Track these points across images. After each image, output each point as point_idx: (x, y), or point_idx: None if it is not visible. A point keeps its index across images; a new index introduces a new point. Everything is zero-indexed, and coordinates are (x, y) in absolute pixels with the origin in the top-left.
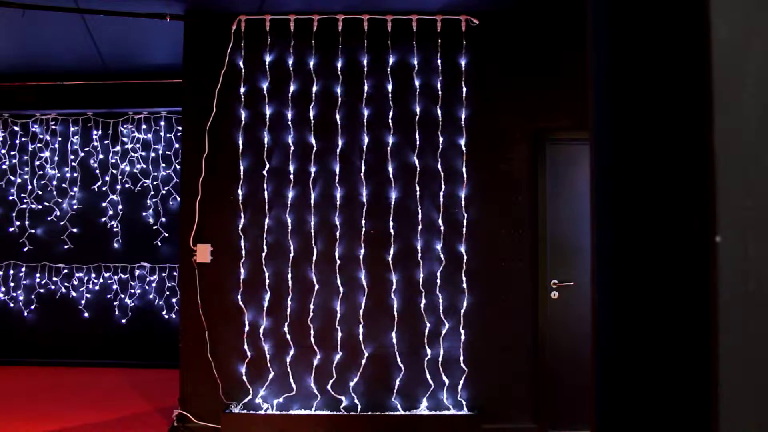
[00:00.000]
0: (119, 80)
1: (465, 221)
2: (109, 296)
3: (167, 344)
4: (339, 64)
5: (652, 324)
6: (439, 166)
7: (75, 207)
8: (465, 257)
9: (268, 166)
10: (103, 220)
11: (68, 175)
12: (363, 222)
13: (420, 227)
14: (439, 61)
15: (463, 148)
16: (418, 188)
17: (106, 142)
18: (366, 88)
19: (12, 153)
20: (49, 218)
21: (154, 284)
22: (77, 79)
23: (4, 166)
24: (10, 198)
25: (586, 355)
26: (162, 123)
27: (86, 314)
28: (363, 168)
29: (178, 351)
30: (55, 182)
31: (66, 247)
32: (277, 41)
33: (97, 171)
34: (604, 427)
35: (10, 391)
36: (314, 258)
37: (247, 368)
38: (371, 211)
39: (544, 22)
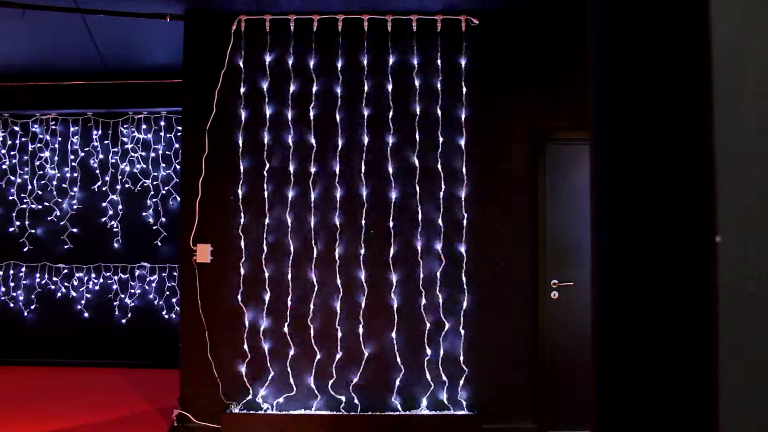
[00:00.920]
0: (119, 80)
1: (465, 221)
2: (109, 296)
3: (167, 344)
4: (339, 64)
5: (652, 324)
6: (439, 166)
7: (75, 207)
8: (465, 257)
9: (268, 165)
10: (103, 220)
11: (68, 175)
12: (363, 222)
13: (420, 227)
14: (439, 61)
15: (463, 148)
16: (418, 188)
17: (106, 142)
18: (366, 88)
19: (12, 153)
20: (49, 218)
21: (154, 284)
22: (77, 79)
23: (4, 166)
24: (10, 198)
25: (586, 355)
26: (162, 123)
27: (86, 314)
28: (363, 168)
29: (178, 351)
30: (55, 182)
31: (66, 247)
32: (277, 41)
33: (97, 171)
34: (603, 428)
35: (10, 391)
36: (314, 258)
37: (247, 368)
38: (371, 210)
39: (544, 22)
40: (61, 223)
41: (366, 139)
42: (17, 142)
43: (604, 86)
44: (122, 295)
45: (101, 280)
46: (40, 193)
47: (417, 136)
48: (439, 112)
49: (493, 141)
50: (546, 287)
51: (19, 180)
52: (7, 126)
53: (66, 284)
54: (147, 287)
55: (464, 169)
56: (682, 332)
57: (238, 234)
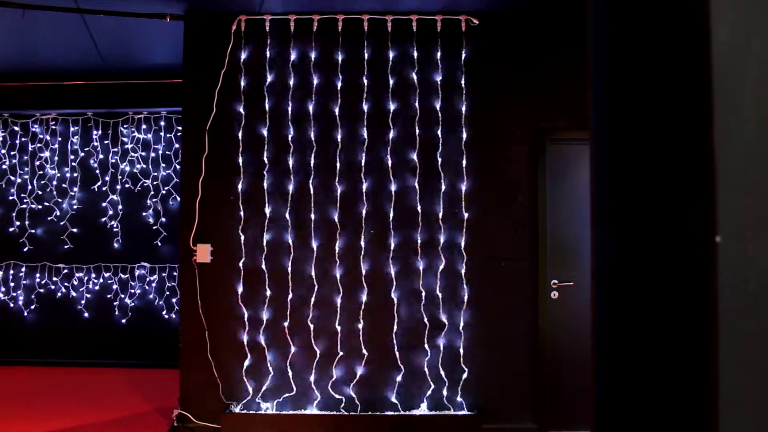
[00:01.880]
0: (119, 80)
1: (465, 221)
2: (109, 296)
3: (167, 344)
4: (339, 64)
5: (652, 324)
6: (439, 166)
7: (75, 207)
8: (465, 257)
9: (268, 165)
10: (103, 220)
11: (68, 175)
12: (363, 223)
13: (420, 227)
14: (439, 61)
15: (463, 148)
16: (418, 188)
17: (106, 142)
18: (366, 88)
19: (12, 153)
20: (49, 218)
21: (154, 284)
22: (77, 79)
23: (4, 166)
24: (10, 198)
25: (586, 355)
26: (162, 123)
27: (86, 314)
28: (363, 170)
29: (178, 351)
30: (55, 182)
31: (66, 247)
32: (278, 41)
33: (97, 171)
34: (603, 428)
35: (10, 391)
36: (314, 258)
37: (247, 368)
38: (371, 212)
39: (544, 22)
40: (61, 223)
41: (366, 143)
42: (17, 142)
43: (604, 86)
44: (122, 295)
45: (101, 280)
46: (40, 193)
47: (417, 137)
48: (439, 112)
49: (493, 141)
50: (546, 287)
51: (19, 180)
52: (7, 126)
53: (66, 284)
54: (147, 287)
55: (464, 169)
56: (682, 332)
57: (238, 234)
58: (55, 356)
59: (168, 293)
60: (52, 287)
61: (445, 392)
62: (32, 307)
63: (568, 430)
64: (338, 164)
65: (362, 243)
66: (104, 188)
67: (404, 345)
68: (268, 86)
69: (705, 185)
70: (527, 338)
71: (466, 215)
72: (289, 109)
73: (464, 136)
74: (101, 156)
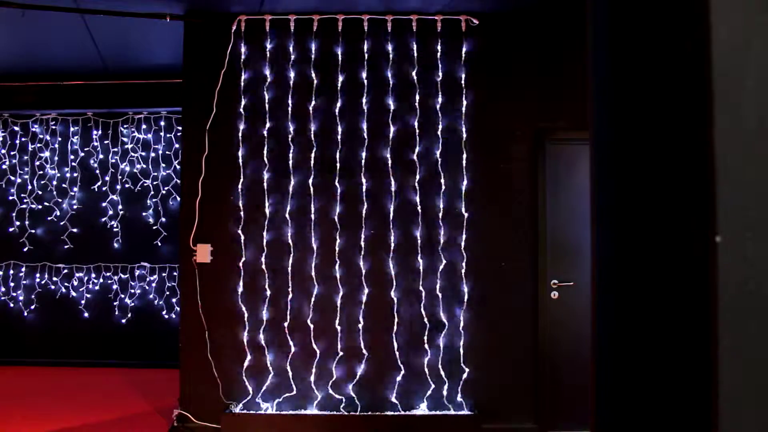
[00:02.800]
0: (119, 80)
1: (465, 221)
2: (109, 296)
3: (167, 344)
4: (339, 63)
5: (652, 324)
6: (439, 166)
7: (75, 207)
8: (465, 257)
9: (268, 165)
10: (103, 220)
11: (68, 175)
12: (363, 223)
13: (420, 227)
14: (439, 61)
15: (463, 148)
16: (418, 188)
17: (106, 142)
18: (366, 88)
19: (12, 153)
20: (49, 218)
21: (154, 284)
22: (77, 79)
23: (4, 166)
24: (10, 198)
25: (586, 355)
26: (162, 123)
27: (86, 314)
28: (363, 171)
29: (178, 351)
30: (55, 182)
31: (66, 247)
32: (278, 41)
33: (97, 171)
34: (603, 427)
35: (10, 391)
36: (314, 258)
37: (247, 368)
38: (371, 211)
39: (544, 22)
40: (61, 223)
41: (366, 141)
42: (17, 142)
43: (604, 86)
44: (122, 295)
45: (101, 280)
46: (40, 193)
47: (417, 137)
48: (439, 111)
49: (493, 141)
50: (546, 287)
51: (19, 180)
52: (7, 126)
53: (66, 284)
54: (147, 287)
55: (464, 169)
56: (682, 332)
57: (238, 234)
58: (55, 356)
59: (168, 293)
60: (52, 287)
61: (445, 392)
62: (32, 307)
63: (568, 430)
64: (338, 164)
65: (362, 243)
66: (104, 188)
67: (404, 345)
68: (268, 86)
69: (705, 185)
70: (527, 338)
71: (466, 215)
72: (289, 108)
73: (464, 135)
74: (101, 156)
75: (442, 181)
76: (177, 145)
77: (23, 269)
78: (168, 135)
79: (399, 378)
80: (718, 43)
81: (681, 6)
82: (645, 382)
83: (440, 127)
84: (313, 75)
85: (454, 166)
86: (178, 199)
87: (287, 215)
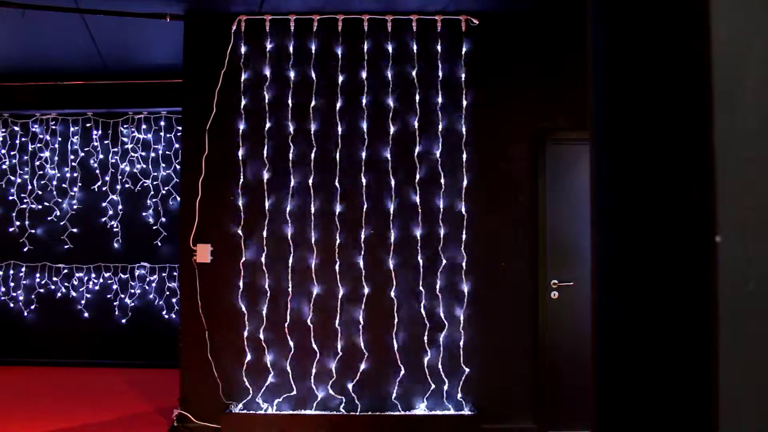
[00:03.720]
0: (119, 80)
1: (465, 221)
2: (109, 296)
3: (167, 344)
4: (339, 63)
5: (652, 324)
6: (439, 166)
7: (75, 207)
8: (465, 257)
9: (268, 165)
10: (103, 220)
11: (68, 175)
12: (363, 222)
13: (420, 227)
14: (439, 61)
15: (463, 148)
16: (418, 188)
17: (106, 142)
18: (366, 88)
19: (12, 153)
20: (49, 218)
21: (154, 284)
22: (77, 79)
23: (4, 166)
24: (10, 198)
25: (586, 355)
26: (162, 123)
27: (86, 314)
28: (363, 169)
29: (178, 351)
30: (55, 182)
31: (66, 247)
32: (278, 41)
33: (97, 171)
34: (603, 427)
35: (10, 391)
36: (314, 258)
37: (247, 368)
38: (371, 211)
39: (544, 22)
40: (61, 223)
41: (366, 142)
42: (17, 142)
43: (604, 86)
44: (122, 295)
45: (101, 280)
46: (40, 193)
47: (417, 137)
48: (439, 111)
49: (493, 141)
50: (546, 287)
51: (19, 180)
52: (7, 126)
53: (66, 284)
54: (147, 287)
55: (464, 169)
56: (682, 332)
57: (238, 234)
58: (55, 356)
59: (168, 293)
60: (52, 287)
61: (445, 392)
62: (32, 307)
63: (568, 430)
64: (338, 165)
65: (362, 243)
66: (104, 188)
67: (404, 344)
68: (268, 86)
69: (705, 185)
70: (527, 338)
71: (466, 215)
72: (289, 108)
73: (464, 135)
74: (101, 156)
75: (442, 180)
76: (177, 145)
77: (23, 269)
78: (168, 135)
79: (399, 378)
80: (718, 43)
81: (681, 6)
82: (645, 382)
83: (440, 127)
84: (313, 75)
85: (454, 166)
86: (178, 199)
87: (287, 215)
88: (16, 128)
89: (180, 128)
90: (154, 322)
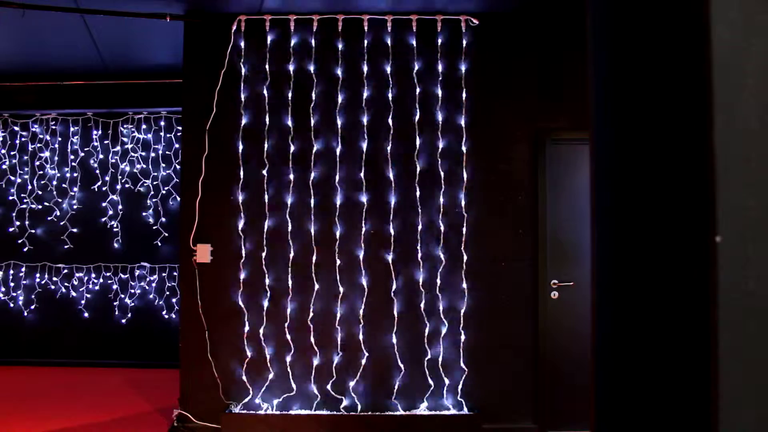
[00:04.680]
0: (119, 80)
1: (465, 221)
2: (109, 296)
3: (167, 344)
4: (339, 63)
5: (652, 324)
6: (439, 167)
7: (75, 207)
8: (465, 257)
9: (268, 166)
10: (103, 220)
11: (68, 175)
12: (363, 222)
13: (420, 227)
14: (438, 61)
15: (463, 148)
16: (418, 188)
17: (106, 142)
18: (366, 88)
19: (12, 153)
20: (49, 218)
21: (154, 284)
22: (77, 79)
23: (4, 166)
24: (10, 198)
25: (586, 355)
26: (162, 123)
27: (86, 314)
28: (363, 168)
29: (178, 351)
30: (55, 182)
31: (66, 247)
32: (278, 41)
33: (97, 171)
34: (603, 428)
35: (10, 391)
36: (314, 258)
37: (247, 368)
38: (371, 211)
39: (544, 22)
40: (61, 223)
41: (366, 140)
42: (17, 142)
43: (604, 86)
44: (122, 295)
45: (101, 280)
46: (40, 193)
47: (417, 137)
48: (438, 111)
49: (493, 141)
50: (546, 287)
51: (19, 180)
52: (7, 126)
53: (66, 284)
54: (147, 287)
55: (464, 170)
56: (682, 332)
57: (238, 234)
58: (55, 356)
59: (168, 293)
60: (52, 287)
61: (445, 392)
62: (32, 307)
63: (568, 430)
64: (338, 165)
65: (362, 243)
66: (104, 188)
67: (404, 345)
68: (268, 86)
69: (705, 185)
70: (527, 338)
71: (465, 215)
72: (289, 108)
73: (464, 136)
74: (101, 156)
75: (442, 181)
76: (177, 145)
77: (23, 269)
78: (168, 135)
79: (399, 378)
80: (718, 43)
81: (681, 5)
82: (645, 382)
83: (440, 127)
84: (314, 76)
85: (454, 167)
86: (178, 199)
87: (287, 215)
88: (16, 128)
89: (180, 128)
90: (154, 322)
